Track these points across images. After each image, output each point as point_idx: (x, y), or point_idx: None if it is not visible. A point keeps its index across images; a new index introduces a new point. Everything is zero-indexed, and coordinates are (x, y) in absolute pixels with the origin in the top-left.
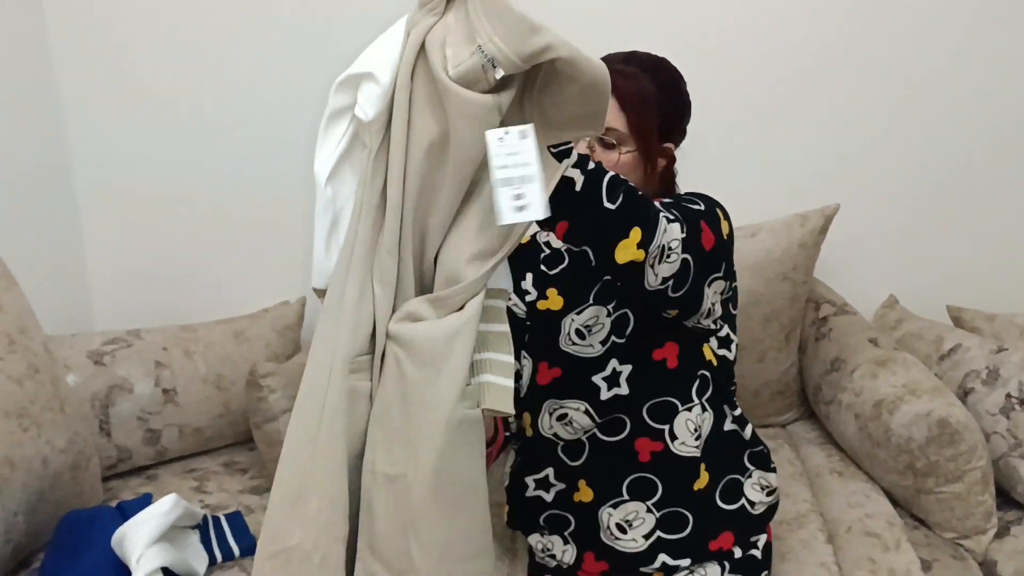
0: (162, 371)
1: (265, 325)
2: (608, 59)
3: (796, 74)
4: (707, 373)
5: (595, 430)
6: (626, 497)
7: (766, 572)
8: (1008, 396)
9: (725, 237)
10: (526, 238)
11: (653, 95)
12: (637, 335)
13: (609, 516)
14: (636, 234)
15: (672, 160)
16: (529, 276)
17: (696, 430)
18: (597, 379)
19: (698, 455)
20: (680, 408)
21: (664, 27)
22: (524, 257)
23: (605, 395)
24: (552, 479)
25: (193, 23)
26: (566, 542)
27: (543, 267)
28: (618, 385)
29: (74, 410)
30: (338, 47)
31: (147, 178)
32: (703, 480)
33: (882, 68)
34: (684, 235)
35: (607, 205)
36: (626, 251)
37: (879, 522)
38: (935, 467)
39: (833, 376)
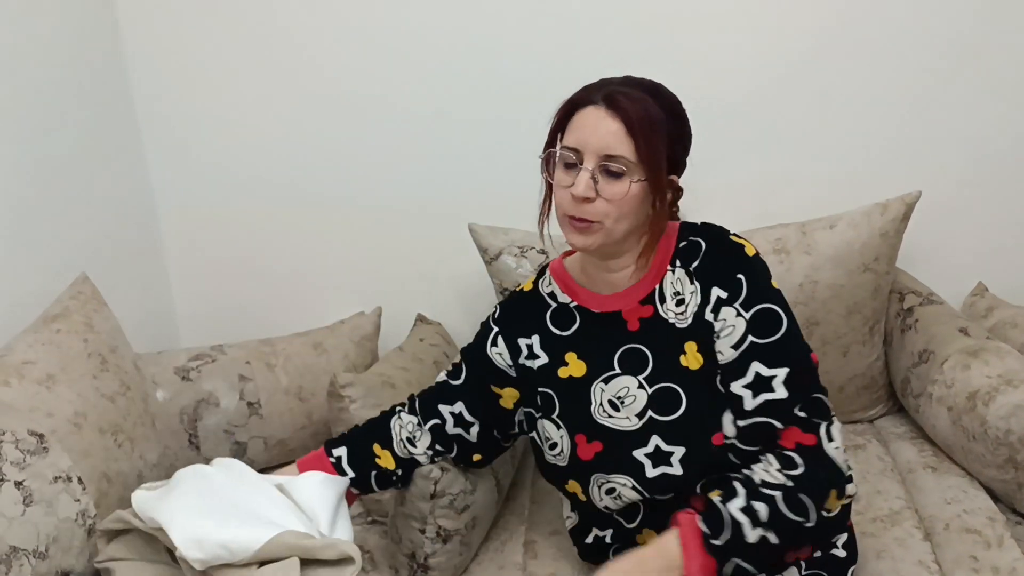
0: (246, 384)
1: (343, 336)
2: (606, 82)
3: (870, 55)
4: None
5: (647, 494)
6: None
7: (853, 568)
8: None
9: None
10: (528, 285)
11: (661, 120)
12: (692, 417)
13: None
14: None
15: (679, 194)
16: (536, 338)
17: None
18: (639, 455)
19: None
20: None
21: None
22: (530, 311)
23: (651, 472)
24: (609, 540)
25: (270, 37)
26: None
27: (551, 326)
28: (668, 464)
29: (164, 425)
30: (416, 55)
31: (226, 193)
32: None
33: (959, 45)
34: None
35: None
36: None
37: (979, 518)
38: None
39: (922, 368)
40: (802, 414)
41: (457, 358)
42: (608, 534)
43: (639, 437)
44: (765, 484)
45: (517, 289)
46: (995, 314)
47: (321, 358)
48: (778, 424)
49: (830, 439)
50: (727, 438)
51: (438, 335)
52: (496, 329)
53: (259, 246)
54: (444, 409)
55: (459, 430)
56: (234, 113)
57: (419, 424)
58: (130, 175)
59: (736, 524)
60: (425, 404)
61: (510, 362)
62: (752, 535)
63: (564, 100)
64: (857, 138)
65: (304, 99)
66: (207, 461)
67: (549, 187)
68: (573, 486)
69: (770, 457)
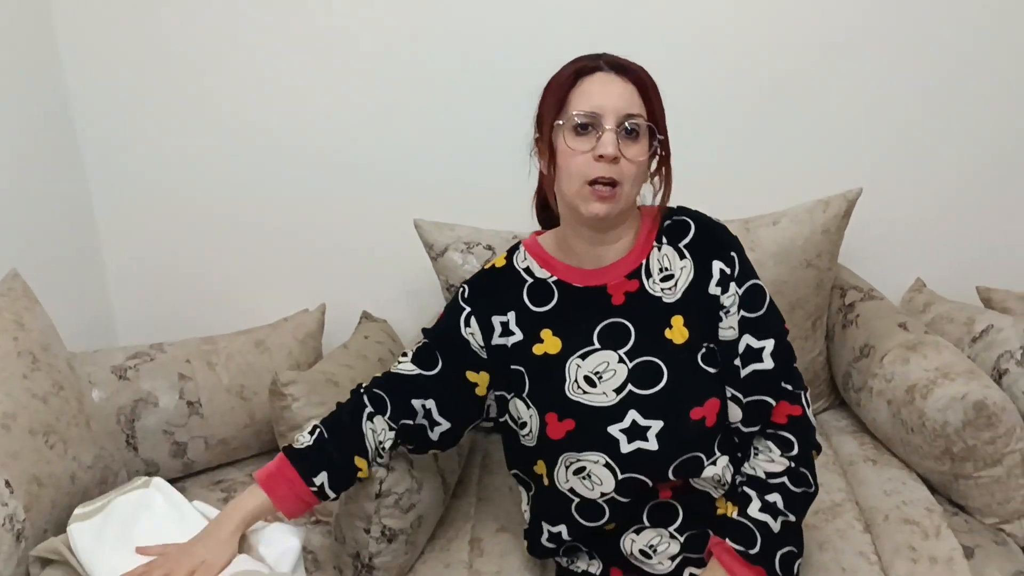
0: (186, 383)
1: (286, 334)
2: (595, 55)
3: (815, 55)
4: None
5: (614, 494)
6: (647, 524)
7: (799, 562)
8: None
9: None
10: (500, 261)
11: (657, 90)
12: (672, 391)
13: (632, 542)
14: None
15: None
16: (512, 314)
17: (719, 481)
18: (614, 430)
19: (718, 495)
20: (705, 463)
21: (678, 12)
22: (504, 287)
23: (626, 448)
24: (565, 535)
25: (206, 30)
26: (591, 557)
27: (528, 302)
28: (644, 439)
29: (100, 426)
30: (357, 49)
31: (164, 190)
32: (725, 508)
33: (903, 47)
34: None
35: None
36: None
37: (918, 509)
38: (973, 451)
39: (863, 363)
40: (788, 387)
41: (419, 343)
42: (562, 531)
43: (615, 412)
44: (771, 475)
45: (486, 267)
46: (932, 309)
47: (264, 356)
48: (771, 400)
49: (808, 405)
50: (730, 421)
51: (383, 332)
52: (468, 309)
53: (201, 244)
54: (416, 403)
55: (424, 423)
56: (172, 110)
57: (390, 427)
58: (67, 175)
59: (761, 525)
60: (397, 401)
61: (482, 343)
62: (776, 525)
63: (559, 74)
64: (801, 135)
65: (243, 94)
66: (146, 462)
67: (541, 172)
68: (540, 467)
69: (769, 444)
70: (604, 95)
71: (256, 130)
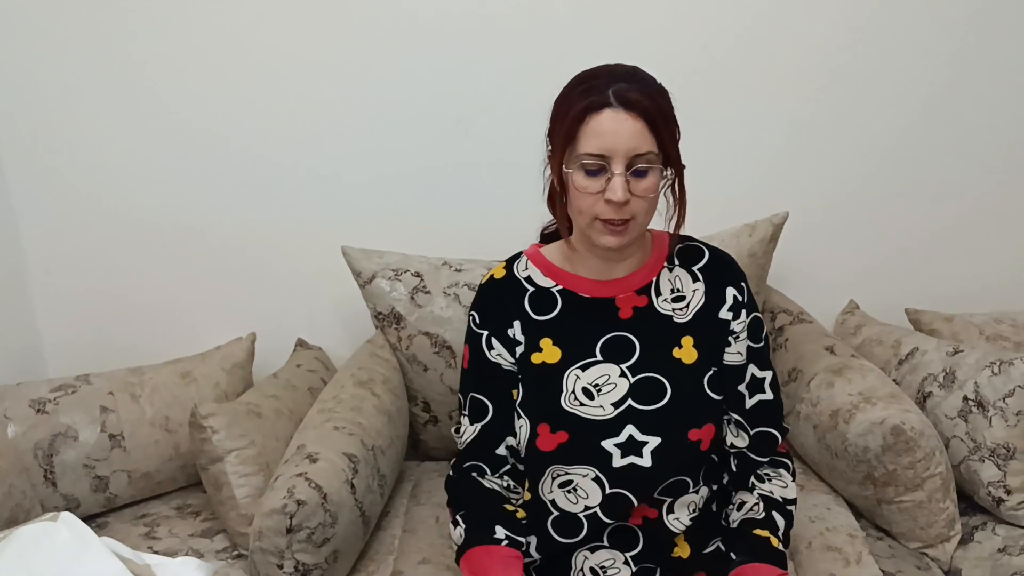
0: (108, 416)
1: (214, 364)
2: (599, 77)
3: (737, 80)
4: (715, 456)
5: (597, 509)
6: (605, 544)
7: None
8: (965, 399)
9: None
10: (499, 271)
11: (668, 106)
12: (673, 409)
13: (585, 559)
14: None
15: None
16: (516, 323)
17: (694, 511)
18: (608, 444)
19: (684, 528)
20: (689, 489)
21: (599, 36)
22: (506, 298)
23: (618, 462)
24: (533, 551)
25: (141, 45)
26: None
27: (529, 310)
28: (638, 455)
29: (11, 462)
30: (290, 78)
31: (94, 214)
32: (683, 550)
33: (824, 71)
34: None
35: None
36: None
37: (840, 536)
38: (893, 476)
39: (791, 387)
40: (786, 426)
41: (464, 402)
42: (531, 542)
43: (611, 426)
44: (787, 501)
45: (483, 280)
46: (863, 331)
47: (190, 387)
48: (777, 433)
49: None
50: (733, 446)
51: (317, 360)
52: (486, 332)
53: (132, 273)
54: (502, 451)
55: (514, 460)
56: (97, 140)
57: (500, 478)
58: None
59: (787, 540)
60: (487, 461)
61: (512, 359)
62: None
63: (568, 99)
64: (728, 160)
65: (171, 125)
66: (65, 498)
67: (553, 187)
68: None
69: (780, 471)
70: (613, 135)
71: (189, 155)
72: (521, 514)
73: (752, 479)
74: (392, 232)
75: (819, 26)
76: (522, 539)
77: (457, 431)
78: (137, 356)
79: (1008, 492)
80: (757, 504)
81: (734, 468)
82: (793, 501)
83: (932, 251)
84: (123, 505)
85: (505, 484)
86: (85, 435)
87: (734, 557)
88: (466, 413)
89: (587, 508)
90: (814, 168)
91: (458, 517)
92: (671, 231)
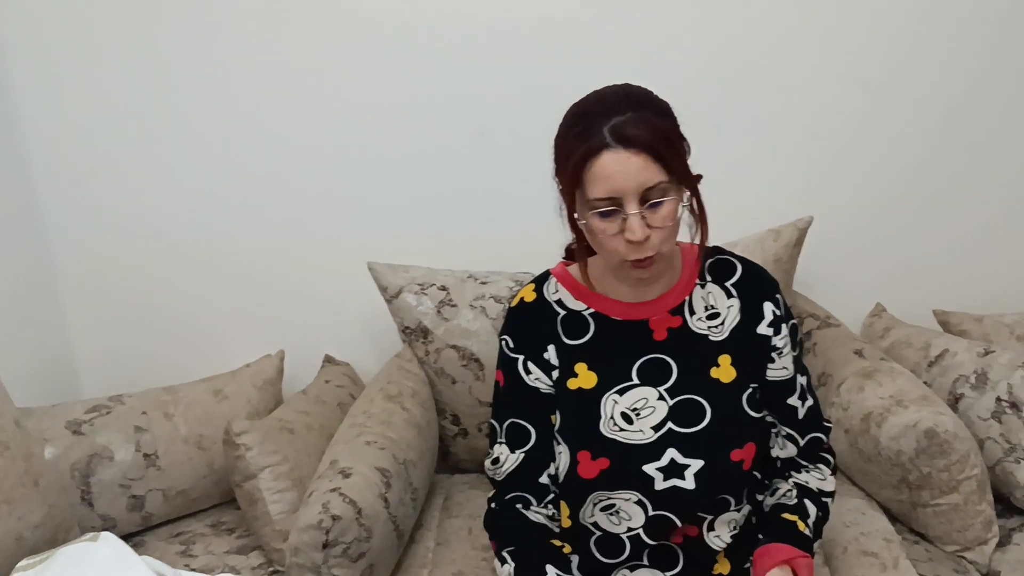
0: (142, 435)
1: (245, 381)
2: (593, 114)
3: (764, 84)
4: (757, 474)
5: (640, 531)
6: (645, 563)
7: None
8: (998, 400)
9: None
10: (529, 294)
11: (670, 127)
12: (715, 430)
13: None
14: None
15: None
16: (552, 348)
17: (735, 528)
18: (650, 469)
19: (725, 546)
20: (731, 507)
21: (616, 43)
22: (538, 322)
23: (660, 485)
24: (574, 569)
25: (169, 61)
26: None
27: (562, 335)
28: (681, 478)
29: (50, 483)
30: (320, 93)
31: (126, 237)
32: (723, 567)
33: (848, 77)
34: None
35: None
36: None
37: (876, 540)
38: (928, 479)
39: (820, 391)
40: (828, 424)
41: (499, 429)
42: (573, 561)
43: (652, 451)
44: (824, 493)
45: (512, 304)
46: (892, 334)
47: (222, 405)
48: (823, 436)
49: None
50: (779, 460)
51: (345, 376)
52: (521, 357)
53: (164, 291)
54: (544, 479)
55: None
56: (132, 154)
57: (545, 507)
58: (20, 219)
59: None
60: (529, 489)
61: (550, 382)
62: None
63: (567, 145)
64: (752, 166)
65: (202, 141)
66: (102, 518)
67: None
68: (563, 508)
69: (820, 466)
70: (620, 176)
71: (218, 171)
72: (567, 548)
73: (790, 470)
74: (415, 247)
75: (843, 32)
76: None
77: (495, 461)
78: (167, 372)
79: None
80: (791, 491)
81: (778, 468)
82: (830, 494)
83: (957, 254)
84: (159, 524)
85: (550, 513)
86: (121, 455)
87: (760, 537)
88: (503, 440)
89: (630, 529)
90: (838, 173)
91: (505, 554)
92: (702, 242)
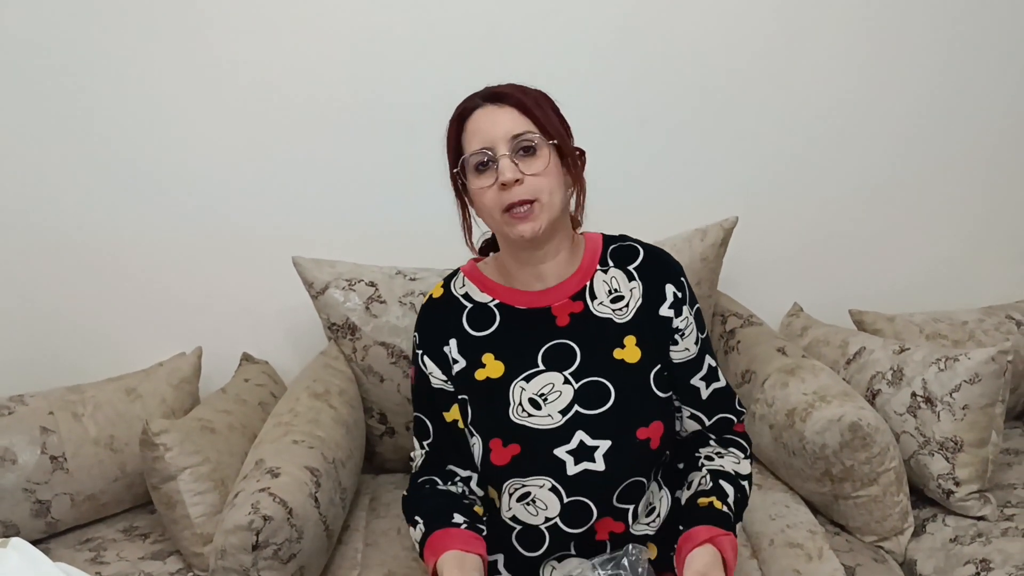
0: (48, 437)
1: (159, 380)
2: (472, 95)
3: (688, 88)
4: (668, 452)
5: (557, 519)
6: (572, 553)
7: None
8: (913, 395)
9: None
10: (438, 291)
11: (542, 95)
12: (619, 410)
13: (552, 570)
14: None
15: (584, 156)
16: (453, 341)
17: (653, 511)
18: (561, 452)
19: (651, 533)
20: (646, 489)
21: (547, 44)
22: (443, 316)
23: (572, 470)
24: (500, 567)
25: (75, 56)
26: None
27: (467, 327)
28: (591, 460)
29: None
30: (234, 84)
31: (26, 225)
32: (651, 552)
33: (773, 78)
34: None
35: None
36: None
37: (801, 532)
38: (850, 472)
39: (744, 388)
40: (740, 408)
41: (410, 411)
42: (498, 559)
43: (561, 434)
44: (740, 475)
45: (425, 301)
46: (809, 333)
47: (135, 404)
48: (733, 418)
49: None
50: (678, 434)
51: (264, 374)
52: (422, 351)
53: (65, 292)
54: (451, 468)
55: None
56: (18, 149)
57: (453, 484)
58: None
59: (738, 511)
60: (439, 474)
61: (444, 376)
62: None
63: (448, 123)
64: (677, 165)
65: (102, 134)
66: (3, 524)
67: (463, 207)
68: (491, 493)
69: (732, 449)
70: (488, 128)
71: (127, 165)
72: (479, 510)
73: (702, 460)
74: (339, 241)
75: (764, 36)
76: (482, 527)
77: (411, 459)
78: (73, 375)
79: (957, 484)
80: (704, 478)
81: (689, 446)
82: (747, 477)
83: (870, 255)
84: (66, 530)
85: (460, 491)
86: (24, 458)
87: (680, 528)
88: (415, 435)
89: (547, 520)
90: (759, 174)
91: (416, 518)
92: (575, 215)
